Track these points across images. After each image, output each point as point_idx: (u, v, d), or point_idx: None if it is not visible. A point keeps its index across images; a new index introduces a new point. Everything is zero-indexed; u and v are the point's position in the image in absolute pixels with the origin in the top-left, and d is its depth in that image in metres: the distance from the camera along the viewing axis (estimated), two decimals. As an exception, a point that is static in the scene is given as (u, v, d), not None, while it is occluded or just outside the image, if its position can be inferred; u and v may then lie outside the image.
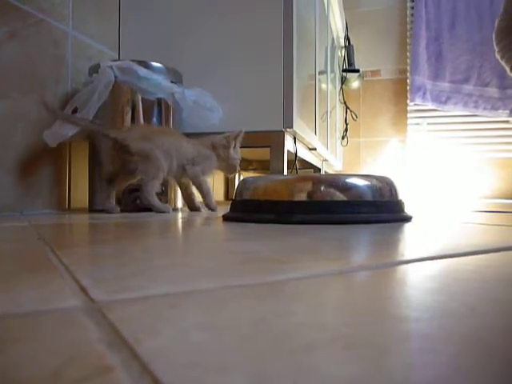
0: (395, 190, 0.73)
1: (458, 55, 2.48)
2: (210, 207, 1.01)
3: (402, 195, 0.75)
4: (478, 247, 0.41)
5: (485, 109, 2.47)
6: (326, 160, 2.00)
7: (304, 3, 1.37)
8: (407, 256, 0.37)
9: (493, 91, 2.45)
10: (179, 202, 1.15)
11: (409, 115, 2.63)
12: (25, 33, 0.97)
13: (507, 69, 1.43)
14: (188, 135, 1.05)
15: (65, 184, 1.11)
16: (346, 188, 0.68)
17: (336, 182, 0.69)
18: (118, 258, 0.35)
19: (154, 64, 1.06)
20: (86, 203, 1.10)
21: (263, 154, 1.28)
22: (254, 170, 1.96)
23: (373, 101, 2.71)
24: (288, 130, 1.19)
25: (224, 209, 0.88)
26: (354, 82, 2.52)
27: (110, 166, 0.94)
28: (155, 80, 1.02)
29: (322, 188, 0.68)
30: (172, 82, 1.07)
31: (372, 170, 2.67)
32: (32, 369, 0.14)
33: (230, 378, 0.13)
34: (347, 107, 2.54)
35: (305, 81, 1.41)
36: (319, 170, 1.93)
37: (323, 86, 1.85)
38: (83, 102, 0.97)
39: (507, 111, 2.44)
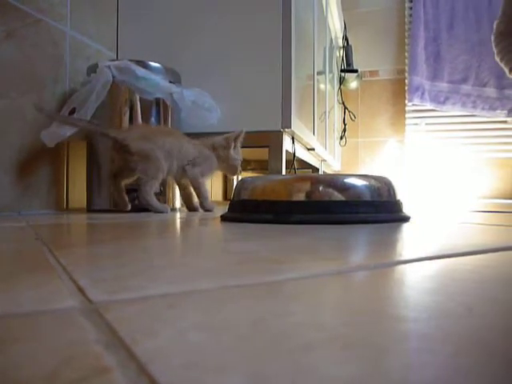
0: (393, 190, 0.73)
1: (456, 55, 2.49)
2: (206, 209, 1.01)
3: (400, 195, 0.75)
4: (476, 247, 0.41)
5: (483, 109, 2.48)
6: (324, 160, 2.00)
7: (302, 4, 1.37)
8: (405, 256, 0.37)
9: (491, 91, 2.45)
10: (177, 202, 1.15)
11: (407, 115, 2.63)
12: (23, 32, 0.97)
13: (506, 70, 1.44)
14: (187, 135, 1.05)
15: (63, 184, 1.11)
16: (345, 188, 0.68)
17: (334, 182, 0.69)
18: (116, 258, 0.35)
19: (153, 64, 1.06)
20: (83, 203, 1.10)
21: (261, 154, 1.28)
22: (253, 170, 1.96)
23: (371, 101, 2.71)
24: (286, 130, 1.19)
25: (222, 209, 0.88)
26: (353, 83, 2.52)
27: (111, 165, 0.95)
28: (153, 80, 1.02)
29: (321, 188, 0.68)
30: (170, 82, 1.07)
31: (370, 170, 2.67)
32: (30, 369, 0.14)
33: (229, 379, 0.13)
34: (345, 107, 2.54)
35: (303, 81, 1.41)
36: (317, 170, 1.93)
37: (321, 86, 1.85)
38: (81, 102, 0.96)
39: (505, 111, 2.45)
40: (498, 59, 1.44)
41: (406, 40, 2.63)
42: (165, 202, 1.06)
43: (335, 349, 0.15)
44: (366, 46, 2.64)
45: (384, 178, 0.74)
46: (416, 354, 0.15)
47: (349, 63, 2.37)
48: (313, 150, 1.61)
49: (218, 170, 1.06)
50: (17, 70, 0.96)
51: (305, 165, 1.74)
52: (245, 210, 0.72)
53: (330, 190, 0.68)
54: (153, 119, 1.07)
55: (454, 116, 2.56)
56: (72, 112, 0.97)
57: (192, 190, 1.03)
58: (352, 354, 0.15)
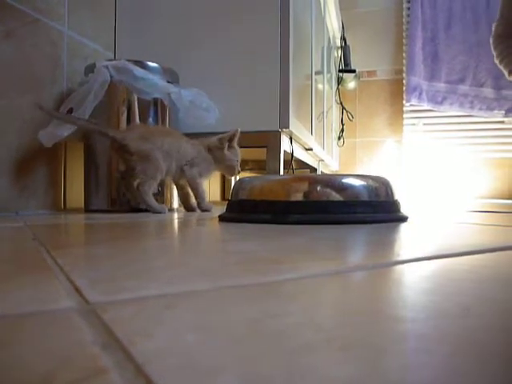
0: (391, 190, 0.73)
1: (453, 56, 2.49)
2: (203, 209, 1.01)
3: (397, 195, 0.75)
4: (473, 247, 0.41)
5: (480, 109, 2.48)
6: (322, 160, 2.01)
7: (300, 4, 1.37)
8: (403, 256, 0.37)
9: (488, 92, 2.46)
10: (175, 203, 1.15)
11: (405, 115, 2.64)
12: (21, 32, 0.97)
13: (505, 72, 1.44)
14: (185, 135, 1.05)
15: (60, 184, 1.10)
16: (342, 188, 0.68)
17: (332, 182, 0.69)
18: (114, 258, 0.35)
19: (150, 64, 1.06)
20: (81, 203, 1.10)
21: (259, 154, 1.28)
22: (251, 170, 1.96)
23: (369, 101, 2.71)
24: (284, 130, 1.19)
25: (220, 209, 0.88)
26: (351, 83, 2.52)
27: (119, 167, 0.95)
28: (151, 80, 1.01)
29: (319, 188, 0.68)
30: (168, 81, 1.07)
31: (368, 171, 2.67)
32: (26, 371, 0.14)
33: (226, 380, 0.13)
34: (343, 107, 2.55)
35: (301, 81, 1.41)
36: (315, 170, 1.93)
37: (319, 86, 1.85)
38: (79, 102, 0.96)
39: (502, 111, 2.46)
40: (497, 61, 1.45)
41: (403, 40, 2.64)
42: (163, 203, 1.06)
43: (333, 349, 0.15)
44: (363, 46, 2.65)
45: (382, 178, 0.74)
46: (414, 354, 0.15)
47: (347, 63, 2.38)
48: (311, 150, 1.61)
49: (215, 170, 1.06)
50: (14, 69, 0.96)
51: (303, 165, 1.74)
52: (243, 210, 0.72)
53: (328, 190, 0.68)
54: (151, 119, 1.07)
55: (452, 116, 2.57)
56: (69, 112, 0.97)
57: (190, 190, 1.02)
58: (350, 355, 0.15)
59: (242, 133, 1.07)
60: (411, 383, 0.13)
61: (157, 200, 0.97)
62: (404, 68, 2.60)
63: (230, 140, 1.02)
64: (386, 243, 0.47)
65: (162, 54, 1.22)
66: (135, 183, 0.94)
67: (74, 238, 0.57)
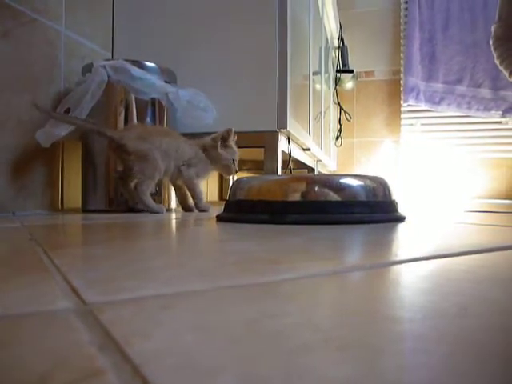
0: (389, 191, 0.73)
1: (451, 56, 2.50)
2: (201, 209, 1.01)
3: (395, 195, 0.75)
4: (471, 247, 0.41)
5: (478, 109, 2.49)
6: (320, 160, 2.01)
7: (298, 4, 1.37)
8: (400, 256, 0.37)
9: (485, 92, 2.46)
10: (173, 203, 1.15)
11: (402, 116, 2.64)
12: (18, 32, 0.97)
13: (506, 74, 1.45)
14: (183, 135, 1.04)
15: (57, 184, 1.10)
16: (340, 188, 0.68)
17: (330, 182, 0.69)
18: (111, 258, 0.35)
19: (148, 64, 1.05)
20: (79, 203, 1.09)
21: (257, 154, 1.28)
22: (248, 170, 1.96)
23: (367, 101, 2.71)
24: (282, 130, 1.19)
25: (218, 209, 0.88)
26: (348, 83, 2.52)
27: (117, 169, 0.95)
28: (149, 80, 1.01)
29: (316, 188, 0.68)
30: (166, 81, 1.07)
31: (366, 171, 2.67)
32: (22, 371, 0.13)
33: (223, 380, 0.13)
34: (341, 108, 2.55)
35: (299, 81, 1.41)
36: (313, 170, 1.93)
37: (317, 86, 1.85)
38: (76, 102, 0.96)
39: (500, 112, 2.46)
40: (497, 63, 1.45)
41: (401, 41, 2.64)
42: (160, 203, 1.06)
43: (331, 350, 0.15)
44: (361, 46, 2.65)
45: (379, 178, 0.74)
46: (411, 354, 0.15)
47: (344, 64, 2.38)
48: (308, 150, 1.61)
49: (213, 170, 1.05)
50: (11, 69, 0.96)
51: (300, 165, 1.74)
52: (240, 210, 0.71)
53: (326, 190, 0.68)
54: (148, 119, 1.07)
55: (449, 116, 2.57)
56: (67, 112, 0.97)
57: (187, 190, 1.02)
58: (348, 355, 0.15)
59: (239, 133, 1.07)
60: (409, 383, 0.13)
61: (154, 200, 0.97)
62: (402, 68, 2.60)
63: (225, 139, 1.01)
64: (384, 243, 0.47)
65: (159, 53, 1.22)
66: (133, 183, 0.94)
67: (72, 239, 0.56)
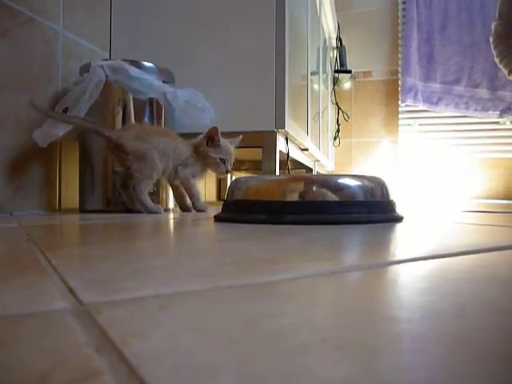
0: (386, 191, 0.73)
1: (448, 57, 2.50)
2: (198, 209, 1.01)
3: (393, 195, 0.75)
4: (469, 247, 0.41)
5: (475, 110, 2.49)
6: (317, 160, 2.01)
7: (296, 4, 1.37)
8: (398, 256, 0.37)
9: (483, 92, 2.47)
10: (171, 203, 1.15)
11: (400, 116, 2.64)
12: (16, 32, 0.96)
13: (505, 72, 1.45)
14: (181, 136, 1.04)
15: (55, 184, 1.10)
16: (338, 188, 0.68)
17: (328, 182, 0.69)
18: (108, 259, 0.34)
19: (146, 64, 1.05)
20: (76, 204, 1.09)
21: (255, 154, 1.28)
22: (246, 170, 1.96)
23: (364, 101, 2.72)
24: (280, 130, 1.19)
25: (216, 209, 0.88)
26: (346, 83, 2.53)
27: (120, 174, 0.95)
28: (147, 80, 1.01)
29: (314, 188, 0.68)
30: (164, 81, 1.06)
31: (364, 171, 2.68)
32: (19, 373, 0.13)
33: (222, 380, 0.13)
34: (339, 108, 2.55)
35: (297, 81, 1.41)
36: (311, 170, 1.93)
37: (315, 86, 1.85)
38: (74, 102, 0.96)
39: (497, 112, 2.47)
40: (497, 60, 1.45)
41: (399, 41, 2.65)
42: (158, 203, 1.06)
43: (329, 350, 0.15)
44: (359, 46, 2.65)
45: (377, 179, 0.74)
46: (409, 354, 0.15)
47: (342, 64, 2.38)
48: (306, 150, 1.61)
49: (207, 170, 1.04)
50: (9, 69, 0.95)
51: (298, 165, 1.74)
52: (238, 210, 0.71)
53: (324, 191, 0.68)
54: (146, 119, 1.07)
55: (447, 117, 2.58)
56: (65, 112, 0.96)
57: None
58: (346, 355, 0.15)
59: (238, 133, 1.06)
60: (407, 383, 0.13)
61: (153, 200, 0.97)
62: (399, 69, 2.60)
63: (212, 138, 1.00)
64: (382, 243, 0.47)
65: (157, 53, 1.22)
66: (132, 183, 0.94)
67: (69, 239, 0.56)
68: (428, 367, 0.14)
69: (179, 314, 0.19)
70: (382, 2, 2.68)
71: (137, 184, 0.92)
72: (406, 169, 2.63)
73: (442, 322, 0.18)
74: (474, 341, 0.16)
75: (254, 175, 1.15)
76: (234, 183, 0.76)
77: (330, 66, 2.37)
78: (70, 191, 1.13)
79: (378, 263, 0.33)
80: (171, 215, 0.93)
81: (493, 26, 1.43)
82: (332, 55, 2.41)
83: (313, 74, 1.77)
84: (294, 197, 0.68)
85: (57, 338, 0.16)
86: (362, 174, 0.76)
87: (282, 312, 0.20)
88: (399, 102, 2.61)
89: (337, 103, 2.53)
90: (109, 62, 1.01)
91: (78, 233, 0.62)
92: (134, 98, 1.03)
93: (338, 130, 2.57)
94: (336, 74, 2.41)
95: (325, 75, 2.16)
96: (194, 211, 1.02)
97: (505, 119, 2.49)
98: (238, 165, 1.91)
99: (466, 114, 2.53)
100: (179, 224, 0.74)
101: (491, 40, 1.44)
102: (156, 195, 1.06)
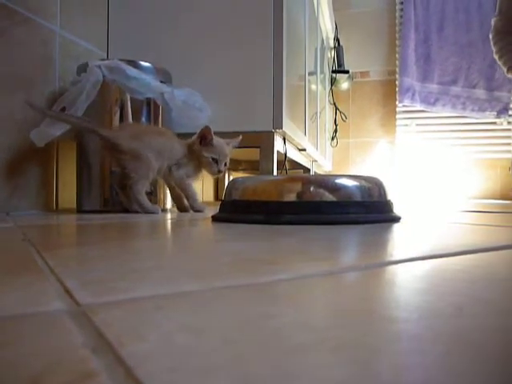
0: (384, 191, 0.73)
1: (446, 57, 2.51)
2: (196, 209, 1.00)
3: (390, 196, 0.76)
4: (466, 247, 0.41)
5: (472, 110, 2.50)
6: (315, 160, 2.01)
7: (294, 4, 1.37)
8: (396, 256, 0.37)
9: (480, 93, 2.48)
10: (168, 203, 1.14)
11: (397, 116, 2.65)
12: (12, 31, 0.96)
13: (504, 69, 1.45)
14: (177, 135, 1.04)
15: (52, 184, 1.09)
16: (335, 188, 0.68)
17: (325, 182, 0.69)
18: (105, 259, 0.34)
19: (143, 63, 1.05)
20: (73, 204, 1.09)
21: (253, 154, 1.28)
22: (244, 170, 1.96)
23: (362, 102, 2.72)
24: (278, 130, 1.19)
25: (213, 209, 0.88)
26: (344, 83, 2.53)
27: (117, 176, 0.94)
28: (144, 80, 1.01)
29: (312, 188, 0.68)
30: (161, 81, 1.06)
31: (361, 171, 2.68)
32: (14, 374, 0.13)
33: (217, 381, 0.13)
34: (337, 108, 2.55)
35: (294, 81, 1.41)
36: (309, 170, 1.93)
37: (313, 86, 1.85)
38: (71, 102, 0.95)
39: (494, 112, 2.48)
40: (496, 57, 1.46)
41: (396, 41, 2.65)
42: (156, 203, 1.06)
43: (326, 350, 0.15)
44: (357, 47, 2.66)
45: (374, 179, 0.74)
46: (407, 354, 0.15)
47: (340, 64, 2.38)
48: (304, 150, 1.61)
49: (201, 170, 1.03)
50: (6, 69, 0.95)
51: (296, 165, 1.74)
52: (236, 210, 0.71)
53: (321, 191, 0.68)
54: (143, 119, 1.07)
55: (444, 117, 2.58)
56: (62, 111, 0.96)
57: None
58: (343, 355, 0.14)
59: (236, 133, 1.06)
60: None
61: (150, 200, 0.96)
62: (397, 69, 2.61)
63: (205, 138, 0.99)
64: (379, 243, 0.47)
65: (154, 53, 1.21)
66: (129, 184, 0.93)
67: (66, 239, 0.56)
68: (425, 367, 0.14)
69: (176, 315, 0.19)
70: (379, 2, 2.68)
71: (134, 184, 0.92)
72: (404, 169, 2.63)
73: (440, 321, 0.18)
74: (472, 341, 0.16)
75: (252, 175, 1.15)
76: (232, 183, 0.76)
77: (328, 66, 2.38)
78: (67, 191, 1.12)
79: (376, 263, 0.33)
80: (168, 215, 0.93)
81: (493, 22, 1.43)
82: (330, 55, 2.42)
83: (310, 74, 1.77)
84: (292, 197, 0.68)
85: (53, 339, 0.16)
86: (359, 174, 0.76)
87: (279, 312, 0.20)
88: (396, 103, 2.61)
89: (334, 103, 2.54)
90: (106, 61, 1.01)
91: (74, 233, 0.62)
92: (131, 98, 1.03)
93: (335, 130, 2.57)
94: (334, 75, 2.41)
95: (322, 75, 2.16)
96: (191, 211, 1.02)
97: (502, 120, 2.50)
98: (236, 165, 1.91)
99: (463, 115, 2.53)
100: (176, 224, 0.74)
101: (491, 36, 1.44)
102: (154, 195, 1.06)
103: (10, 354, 0.15)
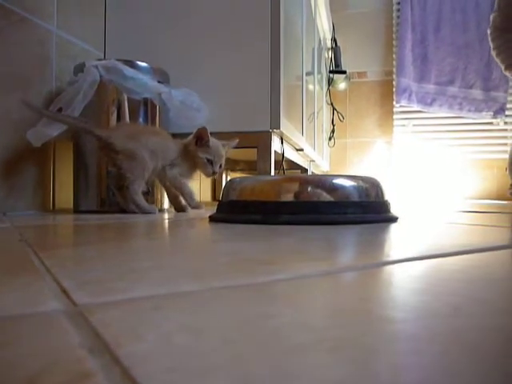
0: (381, 191, 0.74)
1: (442, 57, 2.52)
2: (193, 207, 1.00)
3: (388, 196, 0.76)
4: (463, 247, 0.41)
5: (469, 110, 2.51)
6: (313, 161, 2.01)
7: (291, 4, 1.37)
8: (393, 256, 0.37)
9: (477, 93, 2.48)
10: (165, 203, 1.14)
11: (395, 116, 2.65)
12: (8, 31, 0.96)
13: (502, 67, 1.45)
14: (174, 135, 1.04)
15: (49, 184, 1.09)
16: (333, 188, 0.68)
17: (323, 182, 0.69)
18: (102, 259, 0.34)
19: (141, 64, 1.05)
20: (70, 204, 1.08)
21: (250, 154, 1.28)
22: (241, 170, 1.96)
23: (359, 102, 2.72)
24: (275, 130, 1.19)
25: (211, 210, 0.88)
26: (341, 84, 2.53)
27: (114, 177, 0.94)
28: (141, 80, 1.01)
29: (309, 188, 0.68)
30: (159, 81, 1.06)
31: (358, 171, 2.68)
32: (10, 374, 0.13)
33: (215, 382, 0.13)
34: (334, 108, 2.56)
35: (292, 82, 1.41)
36: (306, 170, 1.93)
37: (310, 87, 1.85)
38: (68, 102, 0.95)
39: (491, 113, 2.48)
40: (493, 54, 1.46)
41: (393, 42, 2.65)
42: (153, 203, 1.05)
43: (325, 350, 0.15)
44: (354, 47, 2.66)
45: (372, 179, 0.74)
46: (404, 354, 0.15)
47: (337, 64, 2.39)
48: (301, 150, 1.61)
49: (195, 170, 1.03)
50: (2, 68, 0.95)
51: (293, 165, 1.74)
52: (233, 210, 0.71)
53: (319, 191, 0.68)
54: (141, 119, 1.07)
55: (441, 117, 2.59)
56: (59, 111, 0.96)
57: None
58: (341, 356, 0.15)
59: (234, 133, 1.06)
60: (403, 383, 0.13)
61: (147, 200, 0.96)
62: (394, 69, 2.61)
63: (201, 138, 0.99)
64: (377, 243, 0.47)
65: (152, 53, 1.21)
66: (125, 184, 0.93)
67: (62, 239, 0.56)
68: (422, 367, 0.14)
69: (173, 315, 0.19)
70: (376, 2, 2.69)
71: (130, 184, 0.92)
72: (401, 169, 2.64)
73: (437, 321, 0.18)
74: (468, 340, 0.16)
75: (249, 175, 1.15)
76: (229, 183, 0.76)
77: (325, 66, 2.38)
78: (64, 191, 1.12)
79: (373, 263, 0.33)
80: (166, 215, 0.93)
81: (491, 18, 1.43)
82: (327, 56, 2.42)
83: (308, 74, 1.77)
84: (289, 197, 0.68)
85: (50, 339, 0.16)
86: (356, 175, 0.76)
87: (277, 312, 0.20)
88: (394, 103, 2.62)
89: (332, 104, 2.54)
90: (103, 61, 1.01)
91: (71, 233, 0.62)
92: (128, 98, 1.03)
93: (332, 131, 2.57)
94: (331, 75, 2.41)
95: (320, 76, 2.16)
96: (189, 211, 1.02)
97: (498, 120, 2.51)
98: (233, 165, 1.91)
99: (460, 115, 2.54)
100: (174, 224, 0.73)
101: (489, 32, 1.44)
102: (151, 195, 1.06)
103: (7, 354, 0.15)
